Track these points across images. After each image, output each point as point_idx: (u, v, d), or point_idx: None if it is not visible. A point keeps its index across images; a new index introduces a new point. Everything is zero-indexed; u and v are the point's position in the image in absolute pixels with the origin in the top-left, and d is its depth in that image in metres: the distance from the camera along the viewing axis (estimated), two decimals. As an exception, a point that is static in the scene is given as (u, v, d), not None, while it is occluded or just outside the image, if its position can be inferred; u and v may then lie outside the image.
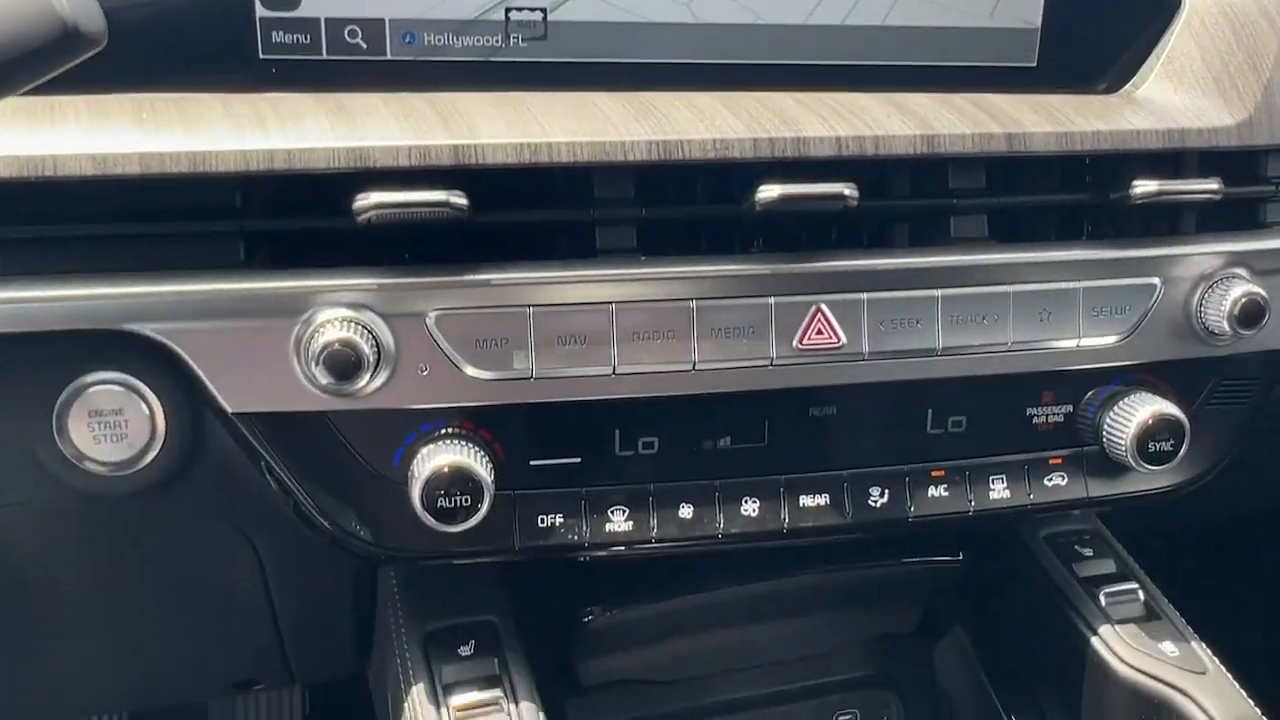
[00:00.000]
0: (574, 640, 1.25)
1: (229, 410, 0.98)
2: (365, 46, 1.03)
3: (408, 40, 1.03)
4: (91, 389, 0.95)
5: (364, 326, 0.95)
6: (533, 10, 1.05)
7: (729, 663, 1.36)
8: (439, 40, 1.04)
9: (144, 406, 0.97)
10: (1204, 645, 1.18)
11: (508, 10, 1.04)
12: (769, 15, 1.08)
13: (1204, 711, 1.10)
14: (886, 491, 1.11)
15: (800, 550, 1.27)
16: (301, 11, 1.00)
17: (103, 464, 0.97)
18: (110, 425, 0.97)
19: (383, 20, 1.02)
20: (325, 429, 1.00)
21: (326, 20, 1.01)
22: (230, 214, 0.95)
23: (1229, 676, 1.14)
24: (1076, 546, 1.29)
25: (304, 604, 1.30)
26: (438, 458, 0.98)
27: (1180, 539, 1.55)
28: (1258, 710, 1.11)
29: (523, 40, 1.05)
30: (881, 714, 1.40)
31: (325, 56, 1.02)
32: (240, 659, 1.44)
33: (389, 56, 1.03)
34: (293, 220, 0.97)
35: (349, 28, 1.02)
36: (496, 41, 1.05)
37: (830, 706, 1.39)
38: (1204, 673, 1.14)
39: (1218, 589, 1.41)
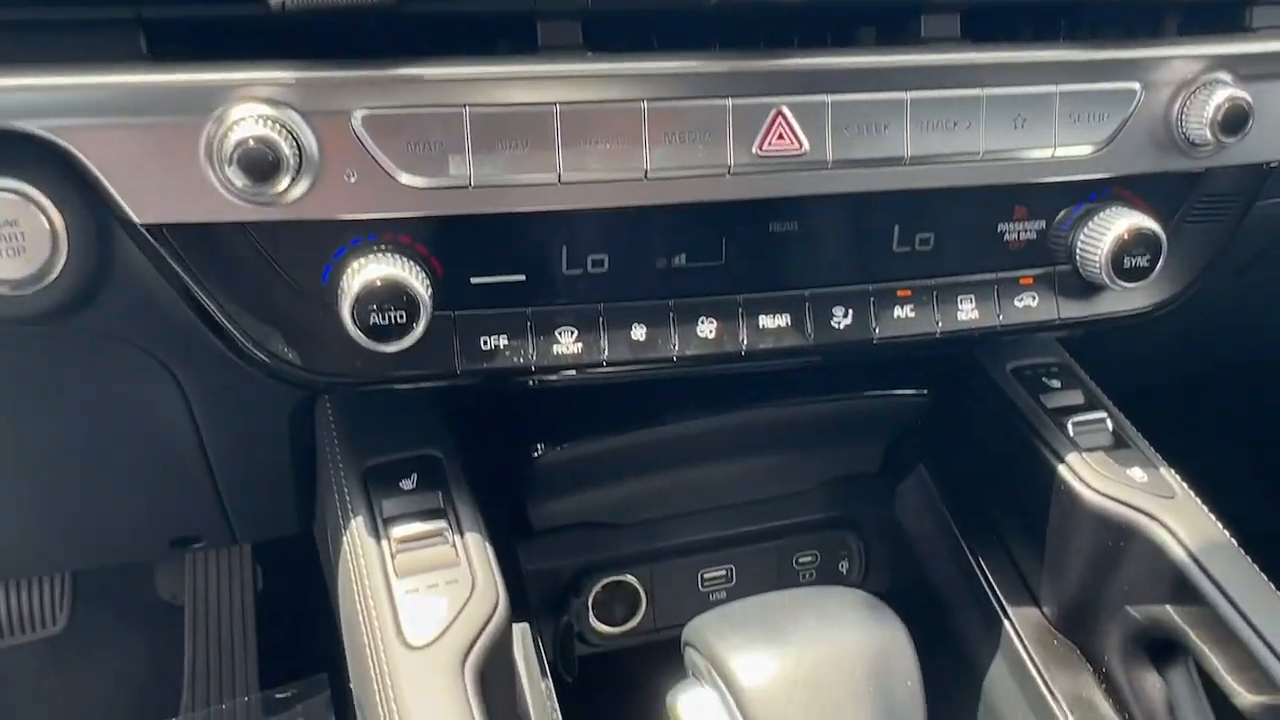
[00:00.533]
0: (524, 480, 1.20)
1: (137, 221, 0.89)
2: None
3: None
4: (-20, 197, 0.86)
5: (282, 125, 0.87)
6: None
7: (686, 505, 1.32)
8: None
9: (42, 218, 0.88)
10: (1172, 471, 1.15)
11: None
12: None
13: (1171, 534, 1.07)
14: (850, 312, 1.06)
15: (761, 385, 1.22)
16: None
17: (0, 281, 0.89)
18: (6, 238, 0.88)
19: None
20: (246, 243, 0.92)
21: None
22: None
23: (1197, 500, 1.11)
24: (1044, 379, 1.25)
25: (238, 447, 1.23)
26: (369, 271, 0.91)
27: (1148, 389, 1.52)
28: (1225, 532, 1.08)
29: None
30: (841, 555, 1.37)
31: None
32: (176, 513, 1.38)
33: None
34: (198, 6, 0.87)
35: None
36: None
37: (790, 548, 1.35)
38: (1172, 497, 1.11)
39: (1187, 432, 1.37)
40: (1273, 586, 1.04)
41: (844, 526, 1.37)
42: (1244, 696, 1.01)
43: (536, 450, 1.16)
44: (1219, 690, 1.06)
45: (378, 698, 0.89)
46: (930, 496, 1.33)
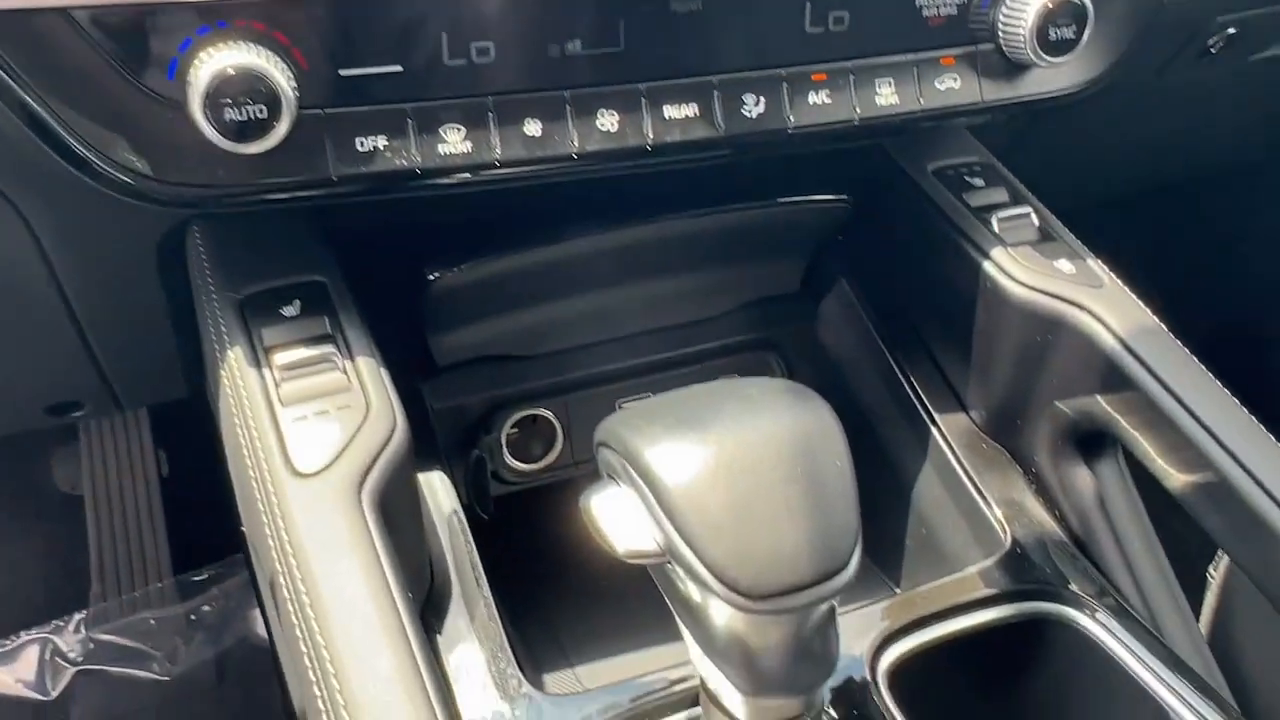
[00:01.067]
0: (422, 309, 1.11)
1: (-63, 10, 0.77)
2: None
3: None
4: None
5: None
6: None
7: (600, 333, 1.24)
8: None
9: None
10: (1100, 262, 1.11)
11: None
12: None
13: (1100, 322, 1.03)
14: (762, 99, 0.98)
15: (675, 197, 1.14)
16: None
17: None
18: None
19: None
20: (74, 35, 0.80)
21: None
22: None
23: (1125, 289, 1.08)
24: (967, 178, 1.19)
25: (103, 293, 1.12)
26: (219, 60, 0.80)
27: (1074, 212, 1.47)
28: (1154, 318, 1.05)
29: None
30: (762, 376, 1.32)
31: None
32: (48, 375, 1.27)
33: None
34: None
35: None
36: None
37: (710, 372, 1.29)
38: (1100, 286, 1.07)
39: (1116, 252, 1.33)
40: (1203, 367, 1.01)
41: (765, 348, 1.32)
42: (1174, 477, 0.99)
43: (434, 274, 1.07)
44: (1148, 478, 1.05)
45: (267, 530, 0.82)
46: (853, 310, 1.28)
